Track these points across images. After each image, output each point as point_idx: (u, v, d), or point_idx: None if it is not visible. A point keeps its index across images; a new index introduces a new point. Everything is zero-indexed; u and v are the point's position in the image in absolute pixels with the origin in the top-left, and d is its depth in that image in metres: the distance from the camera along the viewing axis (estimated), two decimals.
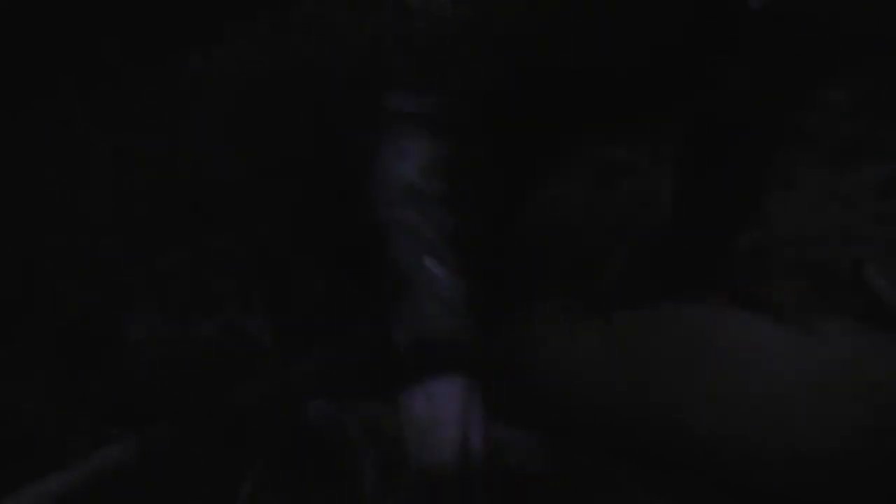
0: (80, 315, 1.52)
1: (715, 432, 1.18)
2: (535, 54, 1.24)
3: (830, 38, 1.36)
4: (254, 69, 1.82)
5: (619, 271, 1.59)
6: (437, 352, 1.08)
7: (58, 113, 1.83)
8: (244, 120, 1.73)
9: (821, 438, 1.14)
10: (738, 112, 1.32)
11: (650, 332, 1.26)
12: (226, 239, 1.61)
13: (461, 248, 1.13)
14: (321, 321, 1.50)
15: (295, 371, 1.42)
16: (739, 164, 1.38)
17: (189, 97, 1.82)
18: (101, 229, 1.64)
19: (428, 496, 1.04)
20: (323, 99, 1.66)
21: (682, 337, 1.24)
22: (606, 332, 1.28)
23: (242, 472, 1.25)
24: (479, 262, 1.15)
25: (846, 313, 1.53)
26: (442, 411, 1.06)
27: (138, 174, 1.73)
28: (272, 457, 1.27)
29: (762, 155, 1.39)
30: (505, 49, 1.21)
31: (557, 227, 1.71)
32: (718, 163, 1.38)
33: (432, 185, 1.15)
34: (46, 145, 1.80)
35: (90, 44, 1.90)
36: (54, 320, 1.52)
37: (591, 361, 1.27)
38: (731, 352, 1.21)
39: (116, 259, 1.59)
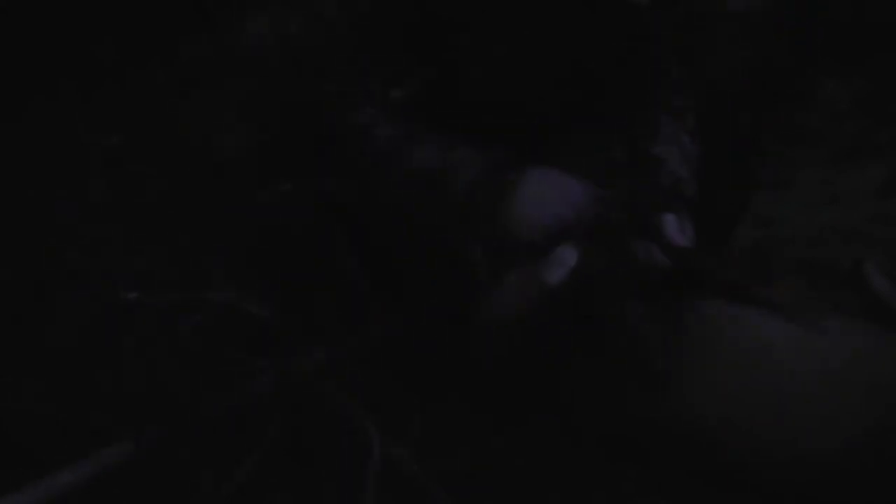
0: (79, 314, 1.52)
1: (722, 426, 1.18)
2: None
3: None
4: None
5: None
6: None
7: (57, 114, 1.83)
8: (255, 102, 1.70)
9: (826, 434, 1.14)
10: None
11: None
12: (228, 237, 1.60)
13: None
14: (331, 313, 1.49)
15: (301, 361, 1.41)
16: (726, 160, 1.38)
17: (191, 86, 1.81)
18: (100, 228, 1.63)
19: None
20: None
21: (689, 332, 1.23)
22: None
23: (240, 460, 1.25)
24: None
25: (846, 313, 1.53)
26: None
27: (139, 172, 1.72)
28: (271, 444, 1.27)
29: (750, 151, 1.39)
30: None
31: None
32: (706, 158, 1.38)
33: None
34: (45, 146, 1.79)
35: (87, 45, 1.90)
36: (54, 320, 1.52)
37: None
38: (738, 347, 1.21)
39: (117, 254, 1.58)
